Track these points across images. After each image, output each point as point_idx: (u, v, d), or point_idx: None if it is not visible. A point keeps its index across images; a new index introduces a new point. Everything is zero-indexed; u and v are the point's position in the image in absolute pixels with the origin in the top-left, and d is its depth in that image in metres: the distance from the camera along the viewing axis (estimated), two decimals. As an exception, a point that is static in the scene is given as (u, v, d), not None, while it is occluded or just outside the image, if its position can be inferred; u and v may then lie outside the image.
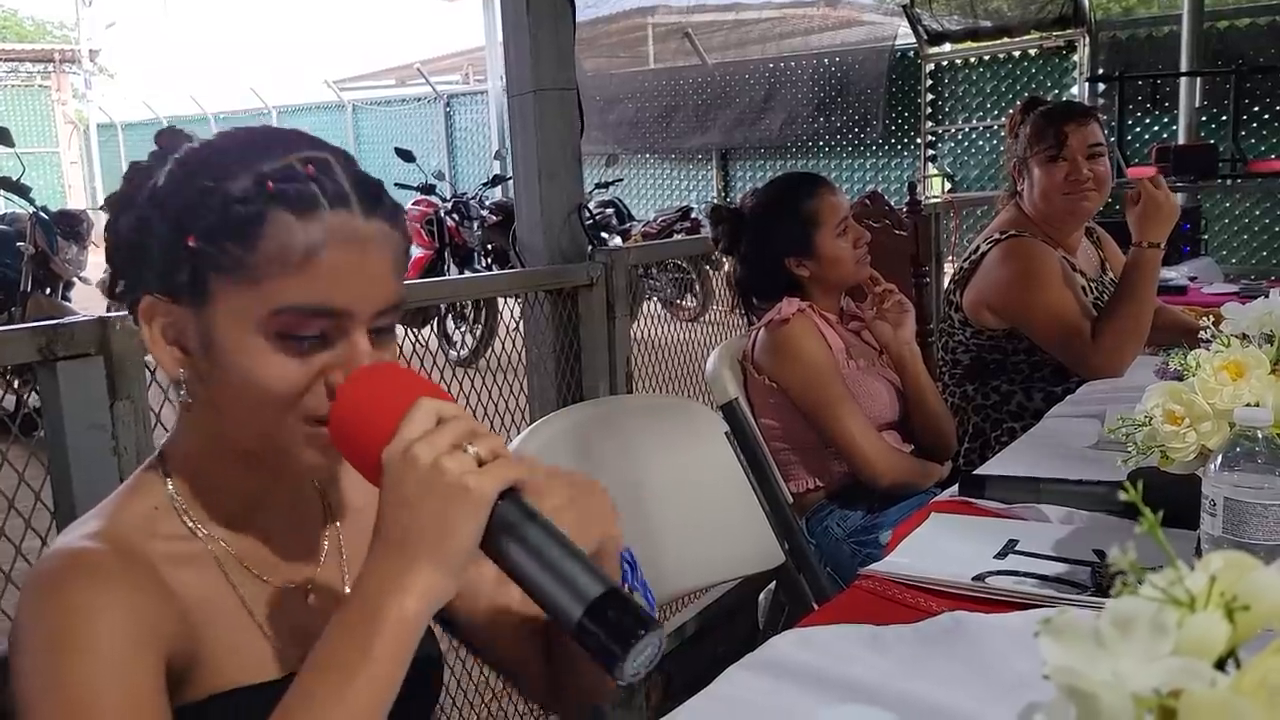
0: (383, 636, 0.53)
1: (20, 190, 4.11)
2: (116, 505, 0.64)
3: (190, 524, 0.64)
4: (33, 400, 1.08)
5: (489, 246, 5.96)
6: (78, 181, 14.71)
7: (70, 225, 4.57)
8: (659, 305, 5.46)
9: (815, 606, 1.35)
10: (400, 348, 1.56)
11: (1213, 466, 0.75)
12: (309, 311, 0.58)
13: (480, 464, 0.54)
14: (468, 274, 5.46)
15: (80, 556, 0.58)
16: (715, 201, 1.67)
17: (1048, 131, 1.83)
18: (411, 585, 0.53)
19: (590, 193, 5.96)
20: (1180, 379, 0.85)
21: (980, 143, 7.07)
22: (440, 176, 6.48)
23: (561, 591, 0.53)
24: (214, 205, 0.58)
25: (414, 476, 0.53)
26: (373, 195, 0.61)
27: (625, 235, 6.36)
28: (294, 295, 0.58)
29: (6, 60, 14.83)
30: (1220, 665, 0.34)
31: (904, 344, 1.59)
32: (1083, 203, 1.83)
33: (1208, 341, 0.86)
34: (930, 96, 7.18)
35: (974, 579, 0.90)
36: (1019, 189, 1.92)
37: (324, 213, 0.58)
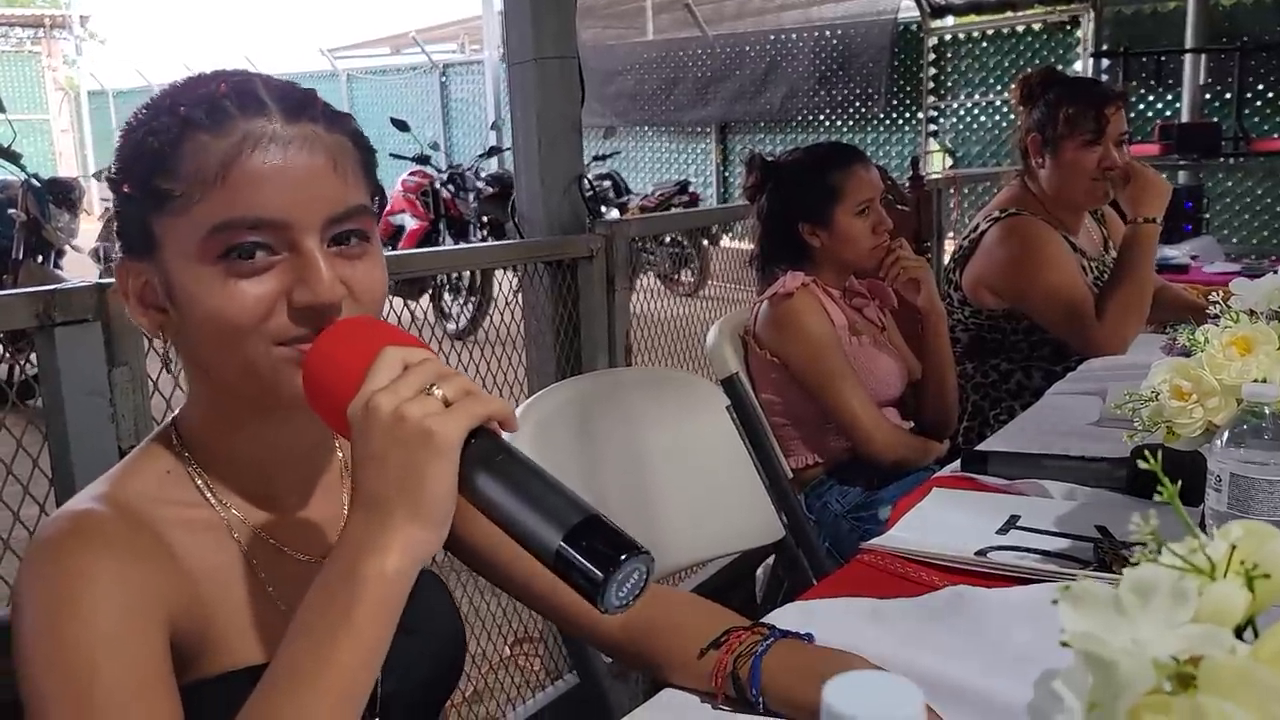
0: (364, 600, 0.51)
1: (12, 157, 4.07)
2: (126, 469, 0.63)
3: (204, 491, 0.63)
4: (30, 366, 1.07)
5: (485, 219, 5.92)
6: (69, 149, 14.54)
7: (62, 192, 4.53)
8: (655, 279, 5.44)
9: (814, 581, 1.35)
10: (399, 317, 1.54)
11: (1219, 442, 0.75)
12: (242, 225, 0.56)
13: (448, 405, 0.52)
14: (464, 245, 5.43)
15: (82, 520, 0.57)
16: (753, 152, 1.65)
17: (1087, 114, 1.75)
18: (389, 543, 0.51)
19: (587, 165, 5.88)
20: (1188, 355, 0.84)
21: (983, 118, 7.01)
22: (436, 147, 6.41)
23: (538, 522, 0.50)
24: (135, 148, 0.58)
25: (378, 429, 0.51)
26: (297, 101, 0.59)
27: (623, 208, 6.32)
28: (222, 211, 0.56)
29: (-4, 25, 14.60)
30: (1239, 633, 0.34)
31: (928, 307, 1.59)
32: (1108, 188, 1.78)
33: (1216, 317, 0.86)
34: (933, 71, 7.12)
35: (976, 554, 0.91)
36: (1035, 163, 1.85)
37: (237, 122, 0.56)
